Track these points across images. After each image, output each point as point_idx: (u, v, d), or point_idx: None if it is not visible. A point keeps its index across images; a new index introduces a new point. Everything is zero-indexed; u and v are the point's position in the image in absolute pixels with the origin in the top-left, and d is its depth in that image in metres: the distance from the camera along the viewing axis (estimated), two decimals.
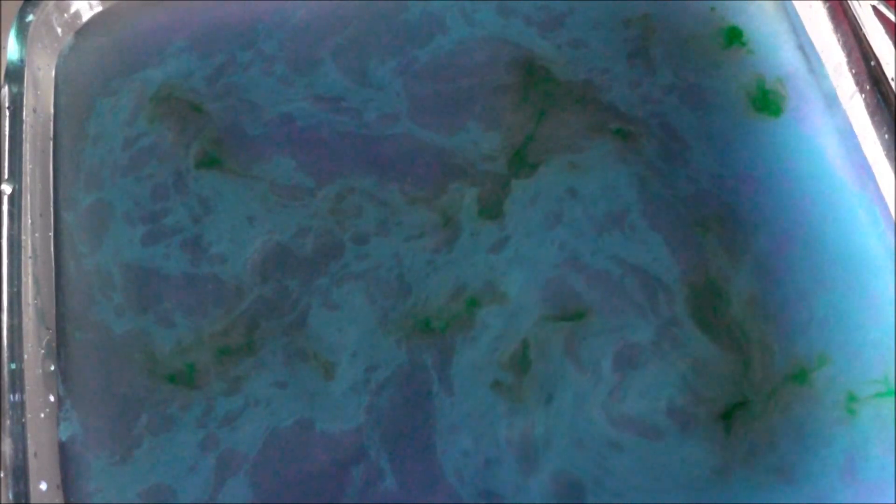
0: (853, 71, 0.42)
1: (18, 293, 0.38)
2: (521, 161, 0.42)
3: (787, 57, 0.44)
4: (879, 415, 0.36)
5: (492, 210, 0.41)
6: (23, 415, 0.36)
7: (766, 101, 0.43)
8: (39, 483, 0.36)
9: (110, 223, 0.41)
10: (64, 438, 0.37)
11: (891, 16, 0.42)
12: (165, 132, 0.43)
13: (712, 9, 0.45)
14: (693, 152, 0.42)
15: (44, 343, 0.39)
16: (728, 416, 0.36)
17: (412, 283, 0.40)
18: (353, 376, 0.38)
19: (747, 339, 0.38)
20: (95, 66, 0.46)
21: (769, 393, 0.37)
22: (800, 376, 0.37)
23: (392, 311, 0.39)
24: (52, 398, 0.38)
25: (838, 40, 0.42)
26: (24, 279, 0.38)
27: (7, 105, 0.42)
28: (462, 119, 0.43)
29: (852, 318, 0.38)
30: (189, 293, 0.40)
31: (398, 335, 0.39)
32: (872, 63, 0.40)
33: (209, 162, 0.43)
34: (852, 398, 0.37)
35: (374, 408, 0.37)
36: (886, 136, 0.40)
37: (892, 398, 0.37)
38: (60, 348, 0.39)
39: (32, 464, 0.36)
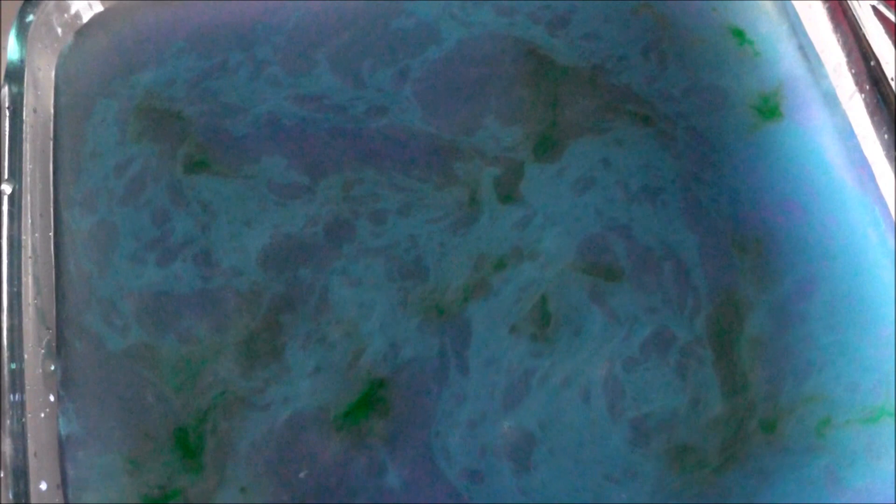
0: (853, 71, 0.42)
1: (18, 293, 0.38)
2: (547, 147, 0.42)
3: (787, 57, 0.44)
4: (858, 438, 0.36)
5: (511, 191, 0.41)
6: (23, 415, 0.36)
7: (766, 101, 0.43)
8: (39, 483, 0.36)
9: (116, 249, 0.41)
10: (64, 438, 0.37)
11: (891, 16, 0.42)
12: (152, 145, 0.43)
13: (714, 9, 0.45)
14: (688, 146, 0.42)
15: (44, 343, 0.39)
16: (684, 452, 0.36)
17: (430, 265, 0.40)
18: (378, 350, 0.38)
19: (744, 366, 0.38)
20: (95, 66, 0.46)
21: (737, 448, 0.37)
22: (769, 425, 0.37)
23: (412, 291, 0.39)
24: (52, 398, 0.38)
25: (838, 40, 0.42)
26: (24, 279, 0.38)
27: (7, 105, 0.42)
28: (479, 117, 0.43)
29: (850, 330, 0.38)
30: (207, 302, 0.40)
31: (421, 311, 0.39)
32: (872, 63, 0.40)
33: (198, 165, 0.42)
34: (827, 423, 0.36)
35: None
36: (886, 136, 0.40)
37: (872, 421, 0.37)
38: (61, 348, 0.39)
39: (32, 464, 0.35)
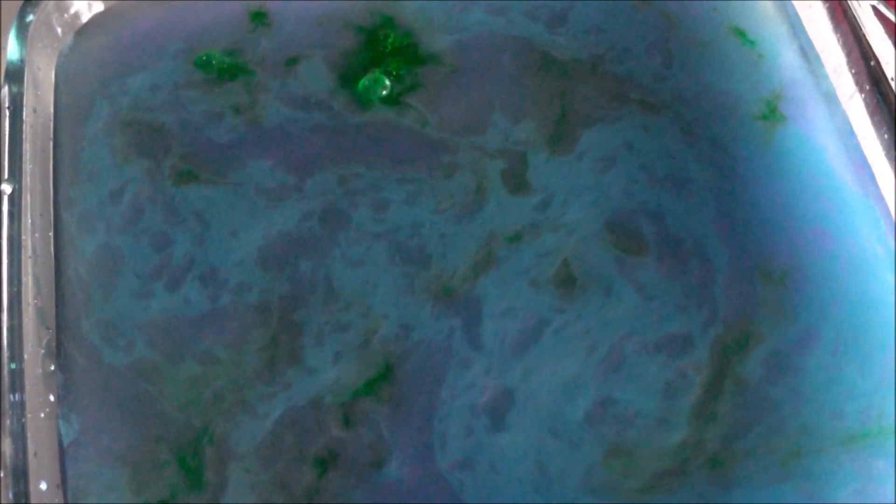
0: (853, 71, 0.42)
1: (18, 293, 0.38)
2: (560, 139, 0.42)
3: (787, 57, 0.44)
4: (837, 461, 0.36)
5: (521, 180, 0.41)
6: (23, 415, 0.36)
7: (768, 103, 0.43)
8: (39, 483, 0.36)
9: (120, 279, 0.41)
10: (65, 439, 0.37)
11: (891, 16, 0.42)
12: (139, 162, 0.43)
13: (714, 9, 0.45)
14: (685, 138, 0.42)
15: (44, 343, 0.39)
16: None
17: (433, 253, 0.40)
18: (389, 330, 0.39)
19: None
20: (95, 66, 0.46)
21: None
22: (717, 462, 0.36)
23: (418, 276, 0.39)
24: (52, 398, 0.38)
25: (838, 40, 0.42)
26: (24, 279, 0.38)
27: (7, 105, 0.42)
28: (487, 116, 0.43)
29: (850, 334, 0.38)
30: (219, 322, 0.40)
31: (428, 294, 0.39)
32: (872, 63, 0.40)
33: (187, 176, 0.42)
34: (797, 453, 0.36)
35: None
36: (886, 136, 0.40)
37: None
38: (60, 347, 0.39)
39: (32, 464, 0.35)
